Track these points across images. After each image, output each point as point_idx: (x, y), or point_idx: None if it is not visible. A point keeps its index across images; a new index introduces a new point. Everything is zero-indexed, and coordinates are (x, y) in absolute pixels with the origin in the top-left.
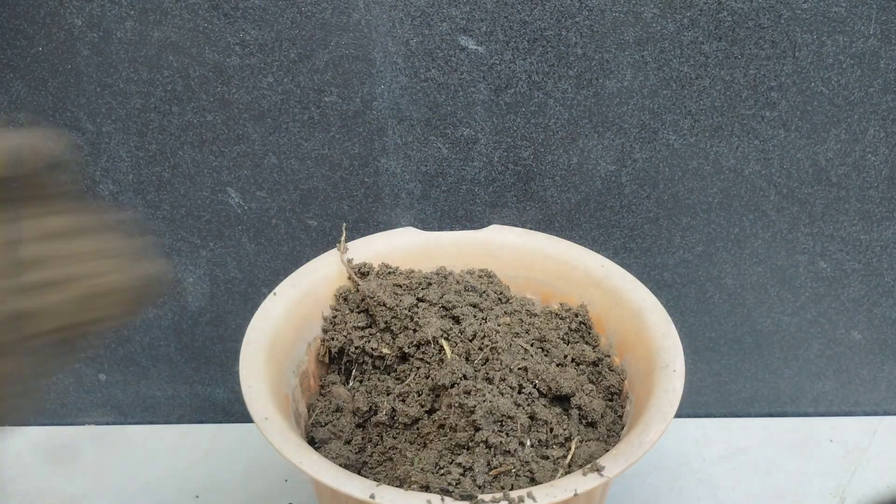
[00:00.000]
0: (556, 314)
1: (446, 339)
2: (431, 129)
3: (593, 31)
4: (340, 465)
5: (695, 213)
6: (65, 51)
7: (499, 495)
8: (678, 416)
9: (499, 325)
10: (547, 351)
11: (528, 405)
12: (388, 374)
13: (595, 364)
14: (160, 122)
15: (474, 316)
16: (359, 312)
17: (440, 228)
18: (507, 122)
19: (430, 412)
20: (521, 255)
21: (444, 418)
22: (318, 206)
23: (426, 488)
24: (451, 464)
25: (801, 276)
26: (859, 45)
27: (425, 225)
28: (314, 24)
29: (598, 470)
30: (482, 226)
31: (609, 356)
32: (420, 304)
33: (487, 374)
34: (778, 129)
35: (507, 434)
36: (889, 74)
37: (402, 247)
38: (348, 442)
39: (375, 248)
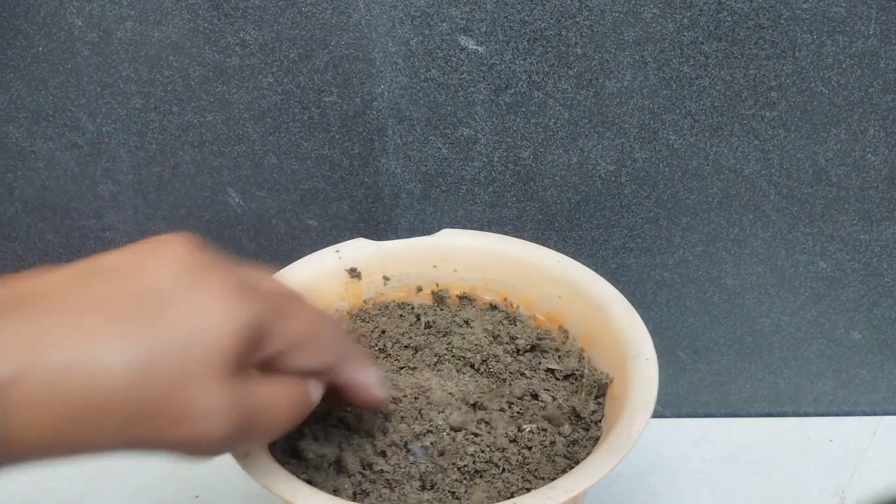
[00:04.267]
0: (504, 342)
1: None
2: (431, 129)
3: (593, 31)
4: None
5: (695, 213)
6: (65, 51)
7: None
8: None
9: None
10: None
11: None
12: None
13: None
14: (160, 122)
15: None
16: None
17: (439, 229)
18: (507, 122)
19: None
20: (475, 258)
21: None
22: (318, 206)
23: None
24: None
25: (801, 276)
26: (859, 45)
27: (426, 225)
28: (314, 24)
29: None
30: (482, 226)
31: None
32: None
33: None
34: (778, 129)
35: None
36: (889, 74)
37: (352, 258)
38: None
39: (328, 262)
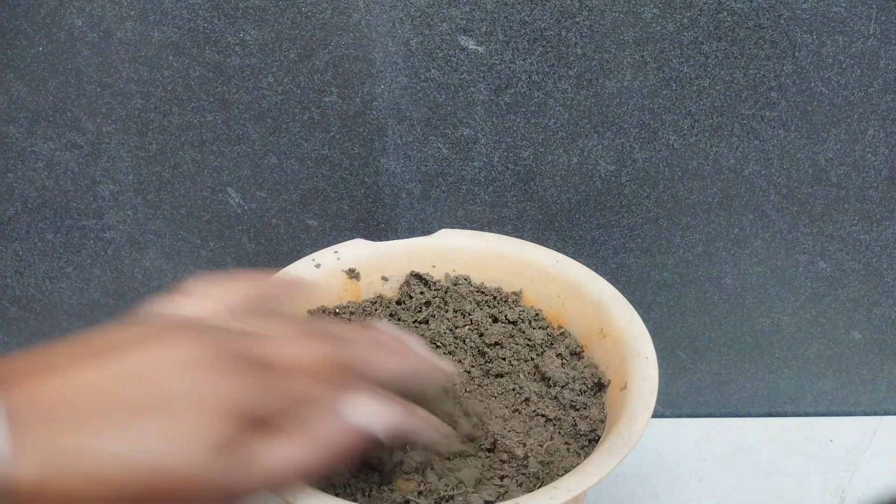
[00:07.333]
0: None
1: None
2: (431, 129)
3: (593, 31)
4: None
5: (695, 213)
6: (65, 51)
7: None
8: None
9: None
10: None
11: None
12: None
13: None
14: (160, 122)
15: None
16: None
17: (439, 229)
18: (507, 122)
19: None
20: (473, 258)
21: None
22: (318, 206)
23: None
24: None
25: (801, 276)
26: (859, 45)
27: (426, 225)
28: (314, 24)
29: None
30: (482, 226)
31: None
32: None
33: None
34: (778, 129)
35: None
36: (889, 74)
37: (350, 259)
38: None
39: (327, 263)
